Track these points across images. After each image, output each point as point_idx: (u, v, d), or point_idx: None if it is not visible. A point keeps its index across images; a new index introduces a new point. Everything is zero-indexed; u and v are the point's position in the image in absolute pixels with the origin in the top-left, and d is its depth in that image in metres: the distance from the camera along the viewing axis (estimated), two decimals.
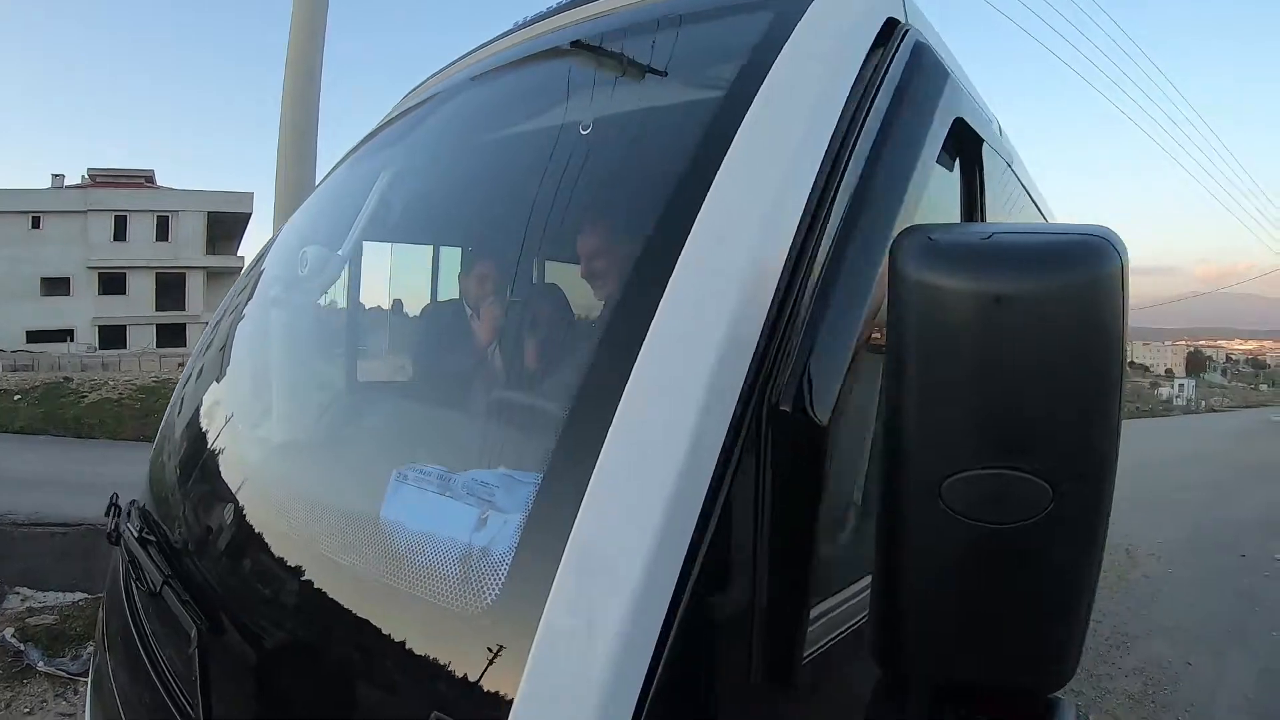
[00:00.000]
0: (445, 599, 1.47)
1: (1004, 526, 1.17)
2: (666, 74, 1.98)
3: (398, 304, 2.84)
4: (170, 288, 61.10)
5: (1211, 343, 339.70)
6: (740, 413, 1.38)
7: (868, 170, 1.67)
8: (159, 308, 61.04)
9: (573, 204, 1.97)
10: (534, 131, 2.34)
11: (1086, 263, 1.13)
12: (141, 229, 61.26)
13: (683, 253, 1.46)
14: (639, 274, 1.58)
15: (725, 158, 1.56)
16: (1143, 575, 11.78)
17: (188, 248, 61.70)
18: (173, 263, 61.04)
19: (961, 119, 2.15)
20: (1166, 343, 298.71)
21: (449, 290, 2.70)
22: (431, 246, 2.94)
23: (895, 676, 1.44)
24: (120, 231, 60.74)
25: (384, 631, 1.53)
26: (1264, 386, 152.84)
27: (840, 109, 1.67)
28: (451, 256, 2.84)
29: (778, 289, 1.48)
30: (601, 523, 1.28)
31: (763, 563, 1.42)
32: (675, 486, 1.27)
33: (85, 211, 59.38)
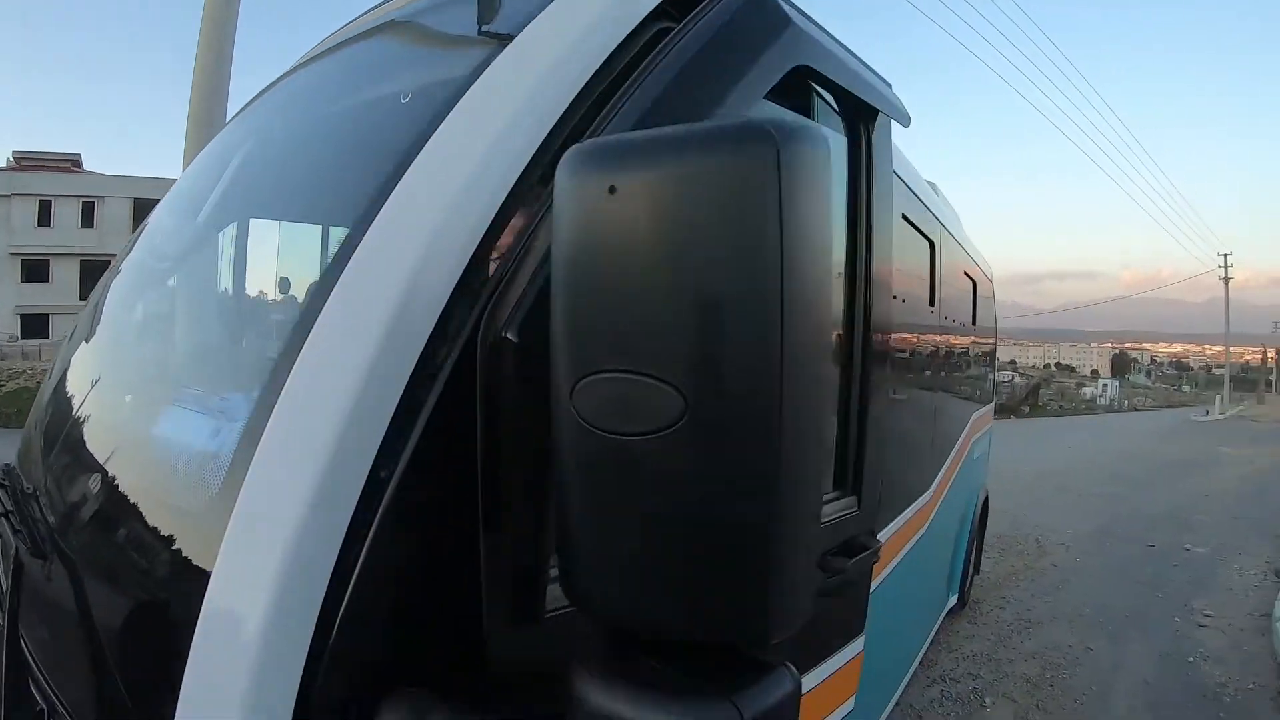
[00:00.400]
0: (189, 498, 1.62)
1: (631, 437, 1.09)
2: (464, 38, 1.97)
3: (227, 270, 2.86)
4: (95, 275, 57.84)
5: (1137, 345, 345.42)
6: (444, 338, 1.41)
7: (655, 105, 1.67)
8: (83, 296, 58.24)
9: (358, 172, 1.91)
10: (360, 105, 2.33)
11: (719, 150, 1.06)
12: (67, 214, 59.17)
13: (394, 191, 1.52)
14: (366, 212, 1.57)
15: (455, 107, 1.62)
16: (1051, 564, 11.97)
17: (114, 235, 58.78)
18: (98, 250, 58.54)
19: (807, 67, 2.10)
20: (1093, 345, 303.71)
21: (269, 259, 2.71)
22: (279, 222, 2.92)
23: (592, 622, 1.30)
24: (45, 217, 58.58)
25: (150, 530, 1.68)
26: (1186, 388, 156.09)
27: (611, 49, 1.71)
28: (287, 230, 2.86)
29: (501, 218, 1.51)
30: (285, 434, 1.36)
31: (489, 495, 1.41)
32: (353, 408, 1.32)
33: (9, 195, 57.24)
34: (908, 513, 4.77)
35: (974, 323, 8.01)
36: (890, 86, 2.82)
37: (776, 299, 1.03)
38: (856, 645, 2.97)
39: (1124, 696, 7.36)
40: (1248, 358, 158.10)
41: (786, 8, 2.06)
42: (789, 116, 1.06)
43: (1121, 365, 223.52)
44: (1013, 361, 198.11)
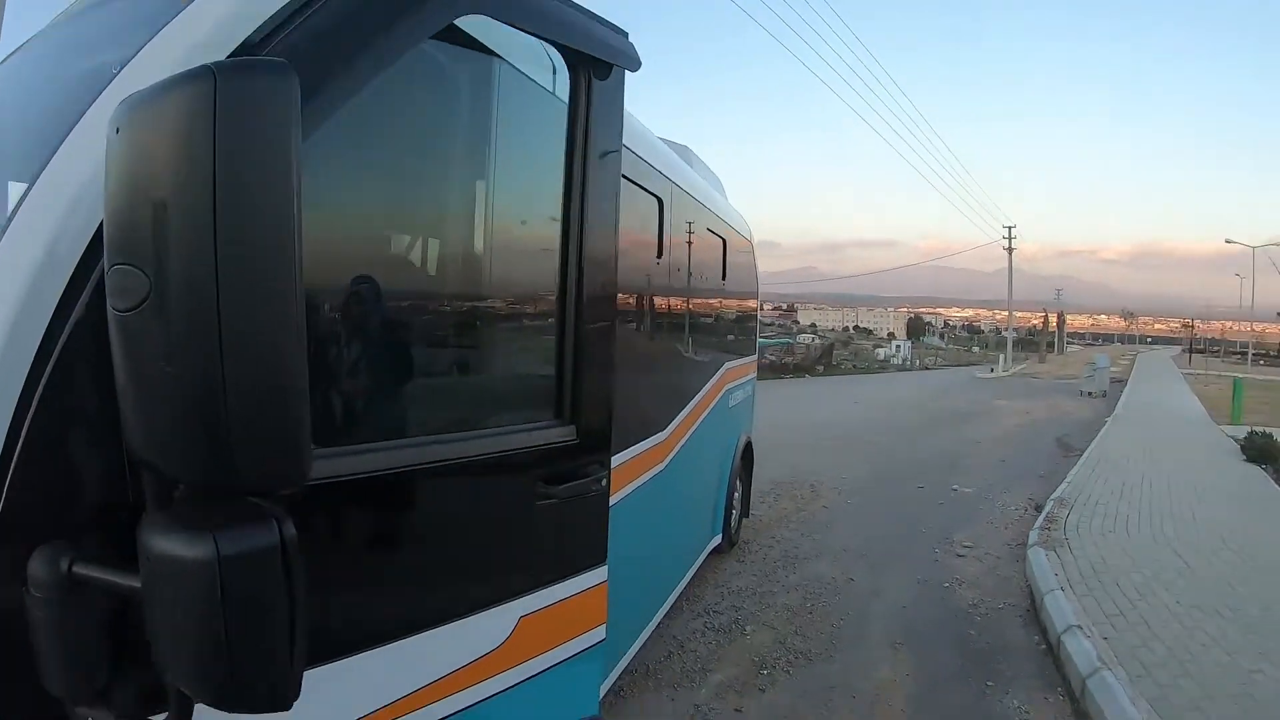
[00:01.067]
0: None
1: (121, 313, 1.33)
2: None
3: None
4: None
5: (932, 310, 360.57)
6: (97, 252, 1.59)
7: (314, 48, 1.89)
8: None
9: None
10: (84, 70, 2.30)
11: (171, 95, 1.31)
12: None
13: (73, 130, 1.74)
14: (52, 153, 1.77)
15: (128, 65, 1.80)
16: (822, 506, 12.33)
17: None
18: None
19: (481, 15, 2.28)
20: (890, 309, 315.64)
21: None
22: None
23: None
24: None
25: None
26: (976, 349, 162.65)
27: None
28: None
29: None
30: None
31: None
32: (18, 313, 1.55)
33: None
34: (637, 448, 5.02)
35: (724, 278, 8.33)
36: (625, 35, 2.88)
37: (209, 208, 1.28)
38: (598, 574, 3.03)
39: (880, 619, 7.66)
40: (1035, 322, 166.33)
41: None
42: (256, 59, 1.67)
43: (916, 328, 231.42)
44: (813, 324, 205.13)
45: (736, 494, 9.42)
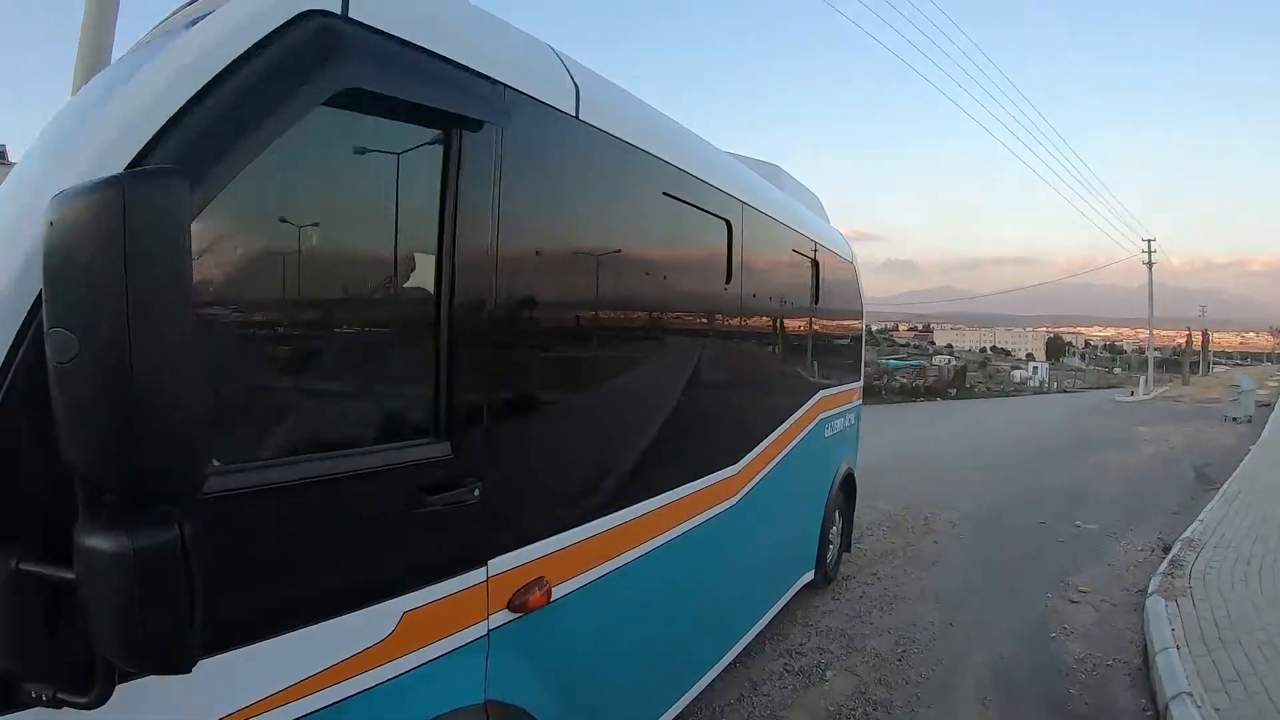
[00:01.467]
0: None
1: (59, 365, 1.73)
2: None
3: None
4: None
5: (1072, 330, 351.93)
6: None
7: (216, 119, 2.26)
8: None
9: None
10: None
11: (90, 198, 1.71)
12: None
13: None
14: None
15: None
16: (933, 542, 11.90)
17: None
18: None
19: (361, 89, 2.65)
20: (1029, 329, 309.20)
21: None
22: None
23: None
24: None
25: None
26: (1118, 370, 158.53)
27: (220, 65, 2.30)
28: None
29: None
30: None
31: None
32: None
33: None
34: (697, 484, 5.08)
35: (816, 302, 8.05)
36: (501, 88, 3.37)
37: (121, 288, 1.70)
38: (478, 575, 3.38)
39: (974, 670, 7.24)
40: (1179, 341, 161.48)
41: (348, 38, 2.63)
42: (154, 168, 2.04)
43: (1056, 348, 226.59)
44: (949, 345, 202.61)
45: (834, 528, 9.09)
